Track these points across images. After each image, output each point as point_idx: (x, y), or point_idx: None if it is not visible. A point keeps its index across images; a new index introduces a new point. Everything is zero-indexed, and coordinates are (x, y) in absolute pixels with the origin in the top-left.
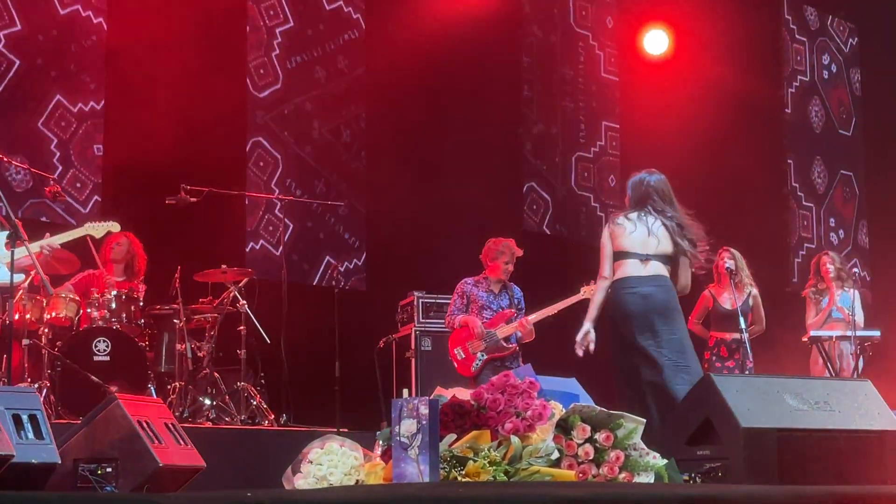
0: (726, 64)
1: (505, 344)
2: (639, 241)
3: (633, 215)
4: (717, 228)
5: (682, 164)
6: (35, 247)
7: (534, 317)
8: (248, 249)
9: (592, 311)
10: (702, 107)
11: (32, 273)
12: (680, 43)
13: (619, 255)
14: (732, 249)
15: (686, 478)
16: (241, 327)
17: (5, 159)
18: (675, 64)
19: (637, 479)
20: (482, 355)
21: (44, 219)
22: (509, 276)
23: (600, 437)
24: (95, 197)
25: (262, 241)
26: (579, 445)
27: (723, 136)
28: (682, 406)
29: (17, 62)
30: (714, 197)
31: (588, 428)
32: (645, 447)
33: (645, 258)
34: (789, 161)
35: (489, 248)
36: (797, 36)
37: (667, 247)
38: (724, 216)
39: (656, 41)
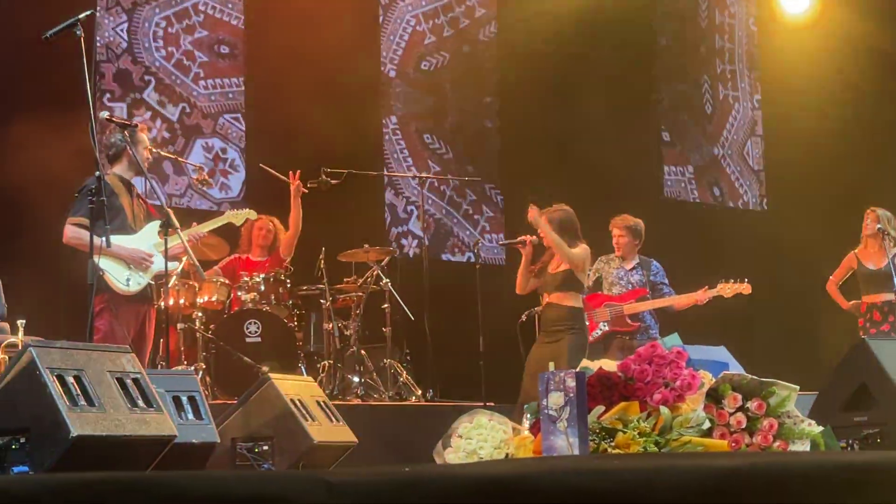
0: (871, 19)
1: (629, 321)
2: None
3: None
4: (862, 189)
5: (825, 124)
6: (184, 235)
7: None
8: (388, 228)
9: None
10: (846, 64)
11: (184, 260)
12: None
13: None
14: (879, 210)
15: (843, 445)
16: (385, 305)
17: (161, 152)
18: (817, 20)
19: (792, 447)
20: (604, 325)
21: (190, 206)
22: (626, 250)
23: (752, 405)
24: (240, 184)
25: (401, 219)
26: (731, 414)
27: (868, 95)
28: (837, 373)
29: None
30: (860, 157)
31: (739, 396)
32: (799, 414)
33: None
34: None
35: None
36: None
37: None
38: (871, 176)
39: None
